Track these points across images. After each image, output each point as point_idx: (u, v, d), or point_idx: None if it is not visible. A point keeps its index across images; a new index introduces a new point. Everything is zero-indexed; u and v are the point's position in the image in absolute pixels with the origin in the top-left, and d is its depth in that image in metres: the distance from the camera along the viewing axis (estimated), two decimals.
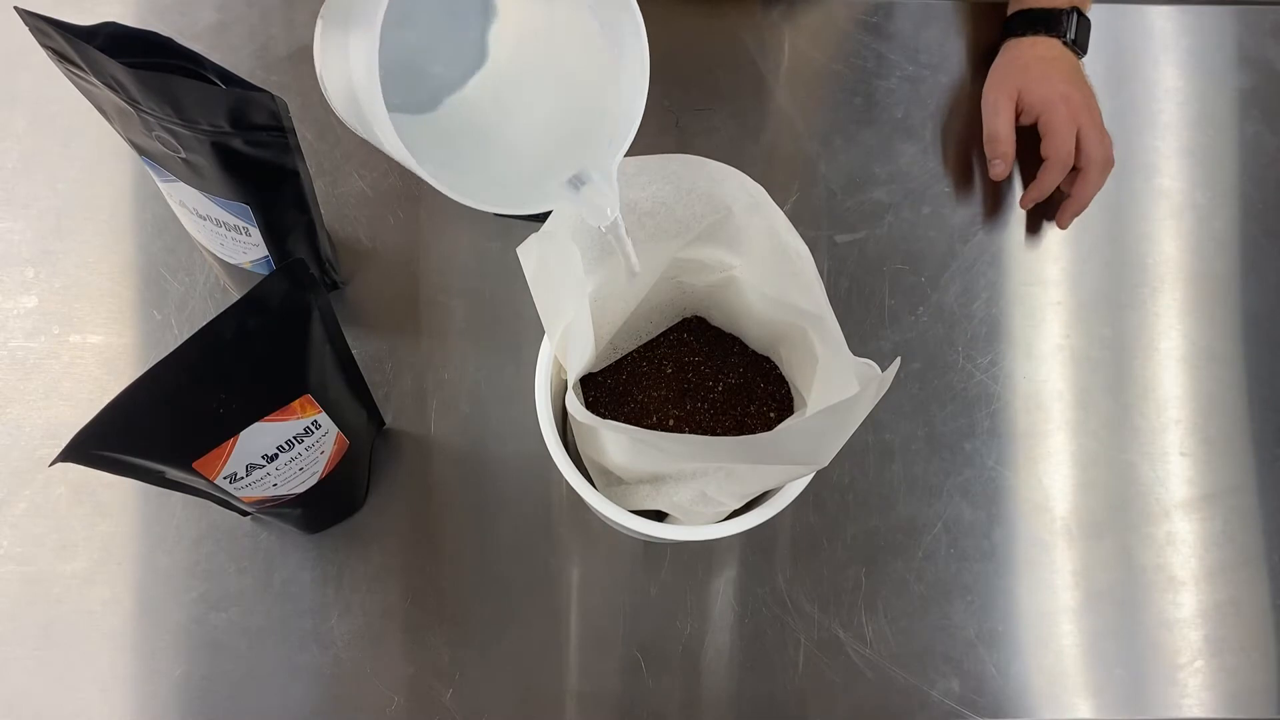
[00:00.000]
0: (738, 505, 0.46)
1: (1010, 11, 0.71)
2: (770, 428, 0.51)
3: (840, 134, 0.70)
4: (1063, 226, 0.67)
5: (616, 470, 0.47)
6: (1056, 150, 0.65)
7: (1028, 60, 0.67)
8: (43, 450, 0.59)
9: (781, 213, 0.44)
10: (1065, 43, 0.67)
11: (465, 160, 0.40)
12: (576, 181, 0.40)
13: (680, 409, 0.53)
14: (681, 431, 0.52)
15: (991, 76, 0.69)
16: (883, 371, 0.40)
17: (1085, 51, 0.68)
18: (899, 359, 0.40)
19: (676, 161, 0.44)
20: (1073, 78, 0.66)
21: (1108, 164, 0.65)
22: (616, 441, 0.44)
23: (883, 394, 0.38)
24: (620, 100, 0.40)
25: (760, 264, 0.47)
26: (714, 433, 0.52)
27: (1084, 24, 0.68)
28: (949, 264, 0.67)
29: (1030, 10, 0.68)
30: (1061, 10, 0.67)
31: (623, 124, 0.40)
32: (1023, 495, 0.62)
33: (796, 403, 0.53)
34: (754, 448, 0.38)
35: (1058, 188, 0.67)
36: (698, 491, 0.45)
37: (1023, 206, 0.68)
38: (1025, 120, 0.67)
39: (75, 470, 0.57)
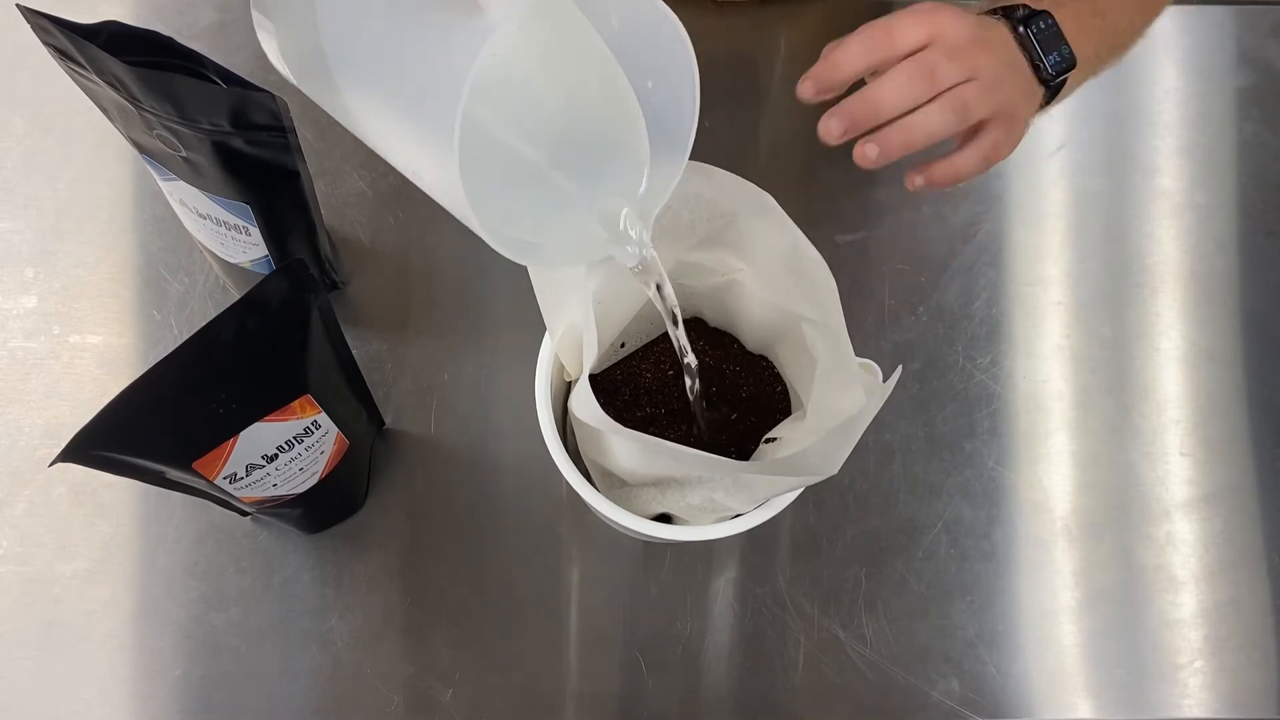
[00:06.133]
0: (746, 510, 0.46)
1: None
2: (768, 428, 0.51)
3: None
4: (823, 132, 0.46)
5: (621, 474, 0.47)
6: (877, 23, 0.45)
7: None
8: (43, 450, 0.59)
9: (790, 220, 0.44)
10: (1016, 33, 0.50)
11: (499, 202, 0.38)
12: (610, 219, 0.39)
13: (681, 409, 0.53)
14: (680, 430, 0.52)
15: None
16: (885, 375, 0.40)
17: (1047, 68, 0.50)
18: (900, 368, 0.40)
19: None
20: (991, 35, 0.48)
21: (956, 93, 0.44)
22: (627, 447, 0.44)
23: (884, 401, 0.39)
24: (652, 130, 0.39)
25: (767, 269, 0.47)
26: (712, 432, 0.52)
27: (1050, 25, 0.50)
28: (949, 264, 0.67)
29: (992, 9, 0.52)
30: (1022, 3, 0.51)
31: (666, 154, 0.38)
32: (1023, 495, 0.62)
33: (794, 403, 0.53)
34: (768, 466, 0.39)
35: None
36: (705, 496, 0.45)
37: (798, 92, 0.47)
38: None
39: (75, 470, 0.57)
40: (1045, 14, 0.49)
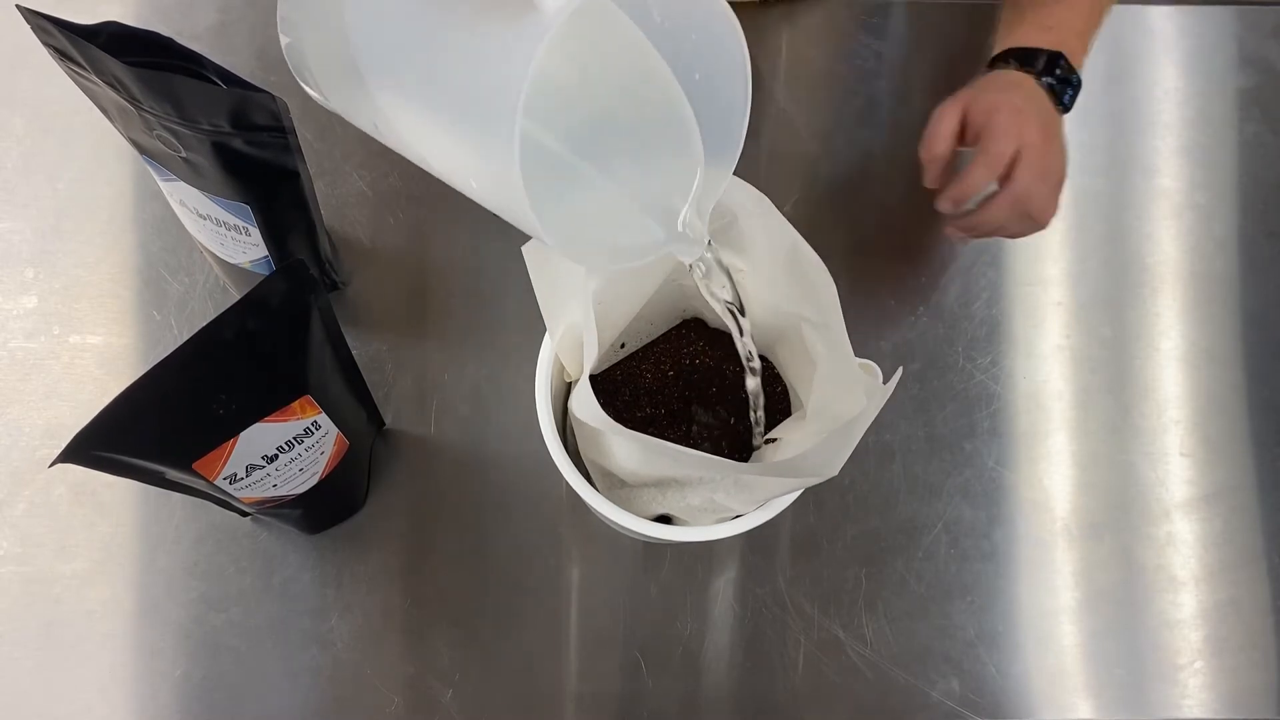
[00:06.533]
0: (746, 510, 0.46)
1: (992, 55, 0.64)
2: (768, 429, 0.51)
3: (840, 134, 0.70)
4: (949, 234, 0.60)
5: (622, 474, 0.47)
6: (988, 148, 0.55)
7: (986, 81, 0.59)
8: (43, 450, 0.59)
9: (789, 224, 0.44)
10: (1040, 82, 0.58)
11: (559, 210, 0.38)
12: (667, 217, 0.39)
13: (681, 409, 0.53)
14: (680, 430, 0.52)
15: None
16: (885, 376, 0.40)
17: (1064, 102, 0.59)
18: (900, 370, 0.40)
19: None
20: (1035, 106, 0.57)
21: (1030, 203, 0.55)
22: (627, 448, 0.44)
23: (884, 402, 0.39)
24: (701, 124, 0.39)
25: (767, 270, 0.47)
26: (713, 432, 0.52)
27: (1063, 66, 0.58)
28: (949, 264, 0.67)
29: (1008, 49, 0.60)
30: (1039, 49, 0.59)
31: (716, 147, 0.38)
32: (1023, 495, 0.62)
33: (794, 403, 0.53)
34: (769, 467, 0.39)
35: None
36: (706, 497, 0.45)
37: (939, 208, 0.58)
38: (970, 138, 0.58)
39: (75, 470, 0.57)
40: (1059, 57, 0.58)
